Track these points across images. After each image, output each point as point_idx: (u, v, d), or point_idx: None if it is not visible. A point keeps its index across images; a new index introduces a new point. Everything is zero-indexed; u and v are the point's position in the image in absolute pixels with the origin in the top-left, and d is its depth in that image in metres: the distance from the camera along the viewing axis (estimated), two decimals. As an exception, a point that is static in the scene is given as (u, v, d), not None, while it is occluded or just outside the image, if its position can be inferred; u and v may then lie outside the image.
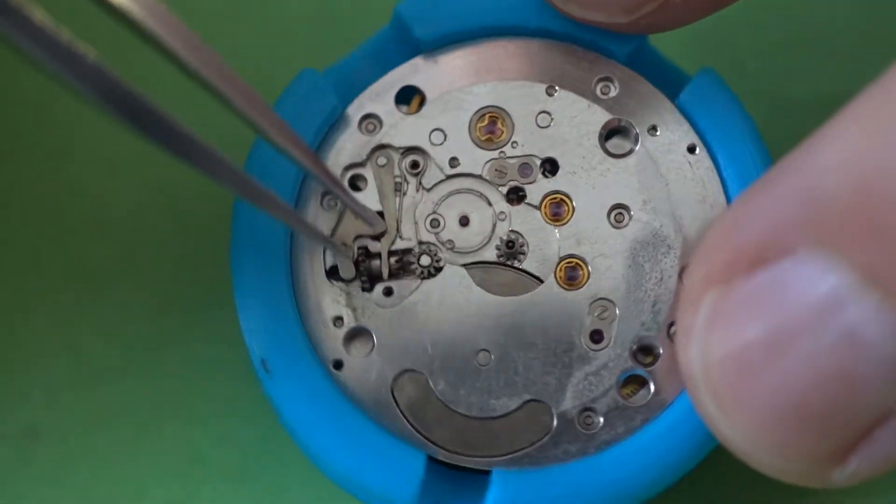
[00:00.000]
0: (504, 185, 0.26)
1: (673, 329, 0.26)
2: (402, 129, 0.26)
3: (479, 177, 0.26)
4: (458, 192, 0.26)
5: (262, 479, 0.29)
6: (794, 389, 0.19)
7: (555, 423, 0.25)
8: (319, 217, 0.26)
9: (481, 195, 0.26)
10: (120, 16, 0.19)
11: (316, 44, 0.32)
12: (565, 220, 0.26)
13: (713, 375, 0.20)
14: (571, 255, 0.26)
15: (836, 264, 0.18)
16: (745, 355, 0.20)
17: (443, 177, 0.26)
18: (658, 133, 0.26)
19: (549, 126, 0.26)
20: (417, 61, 0.27)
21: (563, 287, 0.26)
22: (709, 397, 0.21)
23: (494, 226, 0.26)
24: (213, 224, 0.27)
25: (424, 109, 0.26)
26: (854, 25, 0.32)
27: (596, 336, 0.26)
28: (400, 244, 0.26)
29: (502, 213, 0.26)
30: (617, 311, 0.26)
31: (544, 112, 0.26)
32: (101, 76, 0.18)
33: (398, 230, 0.26)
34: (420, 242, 0.26)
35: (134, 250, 0.30)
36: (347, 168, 0.26)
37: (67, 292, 0.30)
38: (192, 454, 0.29)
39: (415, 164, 0.26)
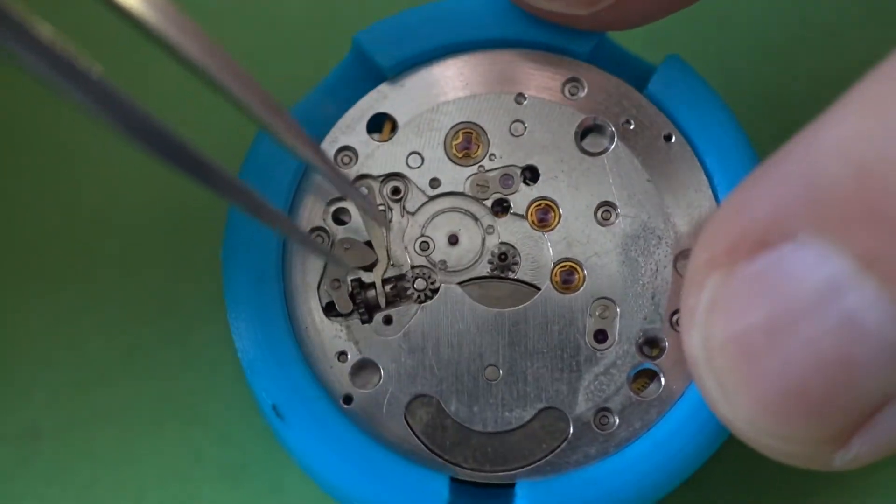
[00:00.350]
0: (488, 199, 0.26)
1: (675, 318, 0.26)
2: (378, 157, 0.26)
3: (462, 194, 0.26)
4: (443, 211, 0.26)
5: (262, 479, 0.29)
6: (794, 374, 0.19)
7: (571, 427, 0.26)
8: (310, 256, 0.26)
9: (466, 212, 0.26)
10: (123, 11, 0.19)
11: (315, 44, 0.32)
12: (553, 225, 0.26)
13: (715, 359, 0.20)
14: (565, 259, 0.26)
15: (835, 250, 0.19)
16: (746, 339, 0.20)
17: (425, 199, 0.26)
18: (632, 126, 0.26)
19: (523, 134, 0.26)
20: (384, 88, 0.27)
21: (560, 291, 0.26)
22: (711, 380, 0.21)
23: (484, 240, 0.26)
24: (214, 224, 0.27)
25: (398, 135, 0.26)
26: (806, 12, 0.32)
27: (600, 336, 0.26)
28: (392, 271, 0.26)
29: (490, 226, 0.26)
30: (617, 309, 0.26)
31: (517, 121, 0.26)
32: (105, 92, 0.18)
33: (389, 258, 0.26)
34: (412, 267, 0.26)
35: (134, 250, 0.30)
36: (329, 203, 0.26)
37: (67, 292, 0.30)
38: (192, 454, 0.29)
39: (396, 190, 0.26)
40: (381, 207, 0.26)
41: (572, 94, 0.27)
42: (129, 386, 0.29)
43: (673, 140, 0.26)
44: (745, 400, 0.20)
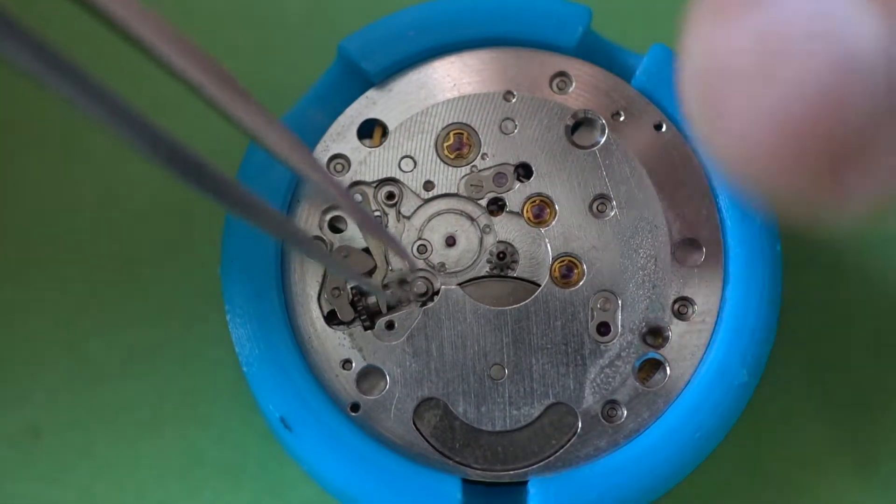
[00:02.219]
0: (482, 199, 0.26)
1: (677, 306, 0.26)
2: (370, 163, 0.26)
3: (456, 195, 0.26)
4: (438, 214, 0.26)
5: (262, 479, 0.29)
6: (782, 99, 0.18)
7: (580, 422, 0.26)
8: (308, 267, 0.26)
9: (462, 212, 0.26)
10: (115, 25, 0.19)
11: (314, 45, 0.32)
12: (549, 221, 0.26)
13: (704, 81, 0.19)
14: (563, 254, 0.26)
15: None
16: (736, 60, 0.19)
17: (420, 202, 0.26)
18: (622, 117, 0.26)
19: (514, 132, 0.26)
20: (371, 93, 0.27)
21: (560, 287, 0.26)
22: (697, 105, 0.19)
23: (481, 240, 0.26)
24: (213, 224, 0.27)
25: (389, 139, 0.26)
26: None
27: (603, 328, 0.26)
28: (392, 276, 0.26)
29: (486, 226, 0.26)
30: (618, 300, 0.26)
31: (507, 119, 0.26)
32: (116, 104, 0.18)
33: (387, 263, 0.26)
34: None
35: (134, 250, 0.30)
36: (325, 212, 0.26)
37: (68, 292, 0.30)
38: (192, 454, 0.29)
39: (390, 195, 0.26)
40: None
41: (560, 89, 0.27)
42: (129, 386, 0.29)
43: (663, 129, 0.26)
44: (731, 126, 0.19)
